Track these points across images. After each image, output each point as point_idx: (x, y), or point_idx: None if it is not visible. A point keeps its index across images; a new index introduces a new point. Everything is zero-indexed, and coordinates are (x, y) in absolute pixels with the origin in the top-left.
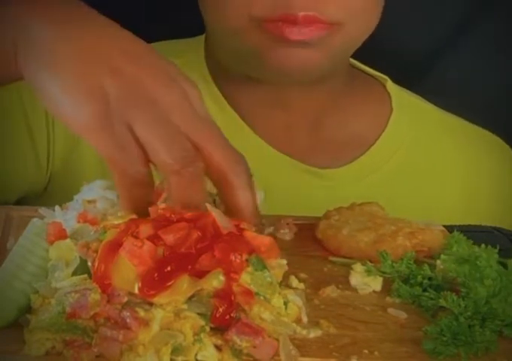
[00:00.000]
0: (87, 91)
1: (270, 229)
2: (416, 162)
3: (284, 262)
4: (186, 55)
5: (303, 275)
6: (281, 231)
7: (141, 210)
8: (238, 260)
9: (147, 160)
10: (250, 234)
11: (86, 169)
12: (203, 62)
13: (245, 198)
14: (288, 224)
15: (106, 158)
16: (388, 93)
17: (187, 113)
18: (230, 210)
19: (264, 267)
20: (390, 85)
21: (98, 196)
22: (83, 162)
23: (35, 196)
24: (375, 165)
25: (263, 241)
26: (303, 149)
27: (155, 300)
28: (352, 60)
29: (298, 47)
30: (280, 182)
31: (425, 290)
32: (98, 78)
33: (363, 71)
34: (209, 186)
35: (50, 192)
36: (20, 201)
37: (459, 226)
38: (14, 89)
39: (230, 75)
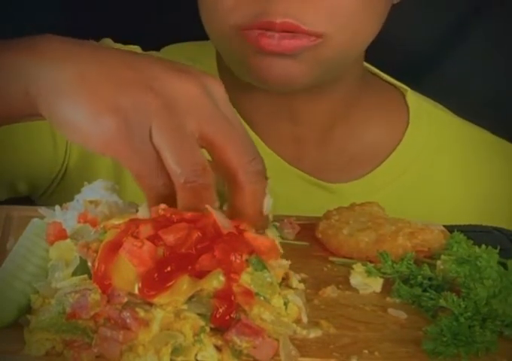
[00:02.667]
0: (103, 108)
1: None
2: (432, 176)
3: (286, 262)
4: (199, 59)
5: (303, 275)
6: (285, 230)
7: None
8: (238, 260)
9: None
10: (250, 235)
11: (100, 168)
12: (216, 67)
13: (250, 197)
14: (291, 224)
15: (132, 173)
16: (407, 104)
17: (205, 110)
18: (233, 210)
19: (264, 267)
20: (410, 95)
21: (101, 199)
22: (98, 161)
23: (48, 193)
24: (387, 180)
25: (263, 242)
26: (312, 162)
27: (155, 300)
28: (372, 68)
29: (277, 58)
30: (288, 195)
31: (425, 290)
32: (111, 96)
33: (382, 79)
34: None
35: (63, 188)
36: (35, 199)
37: (459, 226)
38: None
39: (239, 82)
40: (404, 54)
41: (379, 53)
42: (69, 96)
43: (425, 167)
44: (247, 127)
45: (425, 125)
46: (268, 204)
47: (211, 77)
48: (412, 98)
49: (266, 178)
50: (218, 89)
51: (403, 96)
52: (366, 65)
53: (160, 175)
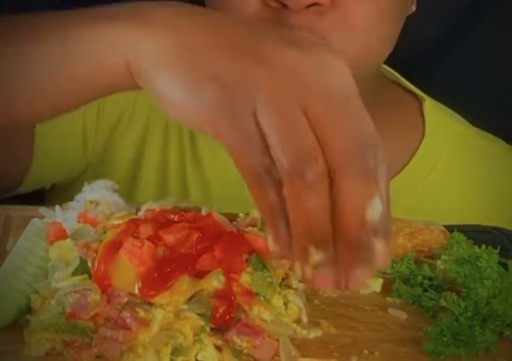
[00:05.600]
0: (203, 78)
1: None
2: (445, 189)
3: (286, 262)
4: None
5: None
6: None
7: (276, 213)
8: (238, 260)
9: None
10: (251, 236)
11: (116, 168)
12: None
13: (352, 198)
14: None
15: (231, 153)
16: (423, 114)
17: (318, 89)
18: (334, 217)
19: (264, 267)
20: (428, 105)
21: (101, 199)
22: (115, 162)
23: (65, 184)
24: (401, 192)
25: (264, 242)
26: None
27: (155, 300)
28: (391, 72)
29: None
30: None
31: (425, 291)
32: (212, 64)
33: (400, 85)
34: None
35: (77, 186)
36: (47, 191)
37: (459, 226)
38: None
39: None
40: (405, 54)
41: None
42: (168, 67)
43: (438, 179)
44: None
45: (440, 138)
46: (375, 212)
47: (332, 54)
48: (429, 108)
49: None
50: (340, 69)
51: (420, 104)
52: (384, 67)
53: (264, 156)
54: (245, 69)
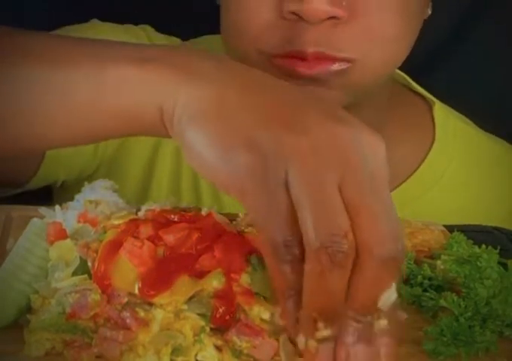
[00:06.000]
0: (237, 142)
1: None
2: (457, 193)
3: None
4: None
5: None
6: None
7: (290, 289)
8: (238, 260)
9: None
10: (251, 236)
11: (129, 170)
12: None
13: (370, 283)
14: None
15: (255, 220)
16: (433, 117)
17: (352, 166)
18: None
19: (264, 267)
20: (438, 109)
21: (101, 199)
22: (129, 164)
23: (73, 185)
24: (412, 197)
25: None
26: None
27: (155, 300)
28: (402, 76)
29: (309, 83)
30: None
31: (425, 290)
32: (249, 128)
33: (410, 89)
34: None
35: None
36: (54, 189)
37: (459, 225)
38: None
39: None
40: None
41: None
42: (204, 123)
43: (450, 184)
44: None
45: (450, 142)
46: (388, 300)
47: (371, 132)
48: (440, 112)
49: (399, 272)
50: (376, 149)
51: (431, 108)
52: (397, 72)
53: (289, 229)
54: (283, 138)
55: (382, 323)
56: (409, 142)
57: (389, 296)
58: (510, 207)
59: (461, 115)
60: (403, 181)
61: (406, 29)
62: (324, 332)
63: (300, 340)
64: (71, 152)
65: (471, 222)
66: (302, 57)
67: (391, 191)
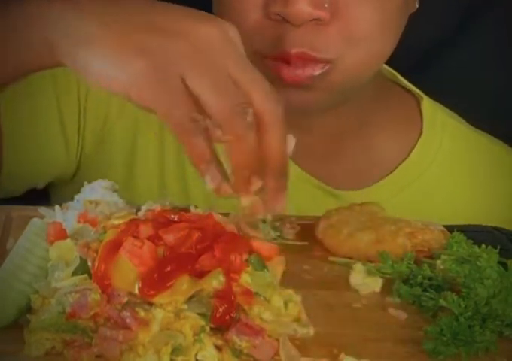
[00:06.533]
0: (131, 51)
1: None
2: (443, 186)
3: (283, 258)
4: None
5: (306, 267)
6: (285, 230)
7: (207, 159)
8: (238, 260)
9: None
10: (257, 242)
11: (112, 159)
12: None
13: (278, 137)
14: (291, 223)
15: (159, 111)
16: (421, 111)
17: (232, 54)
18: (262, 154)
19: (264, 267)
20: (425, 103)
21: (101, 199)
22: (111, 153)
23: (63, 182)
24: (398, 188)
25: (269, 248)
26: (323, 170)
27: (155, 300)
28: (390, 71)
29: (293, 89)
30: (299, 200)
31: (425, 290)
32: (138, 40)
33: (398, 84)
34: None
35: (78, 180)
36: (49, 187)
37: (459, 226)
38: (48, 76)
39: None
40: (405, 53)
41: None
42: (95, 44)
43: (436, 176)
44: None
45: (438, 135)
46: (291, 145)
47: (229, 23)
48: (427, 106)
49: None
50: (238, 35)
51: (419, 103)
52: (384, 67)
53: (191, 109)
54: (168, 43)
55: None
56: (396, 134)
57: (290, 142)
58: (497, 199)
59: (450, 111)
60: (391, 172)
61: (387, 27)
62: (258, 183)
63: (244, 199)
64: (35, 154)
65: (455, 215)
66: (286, 59)
67: (378, 181)
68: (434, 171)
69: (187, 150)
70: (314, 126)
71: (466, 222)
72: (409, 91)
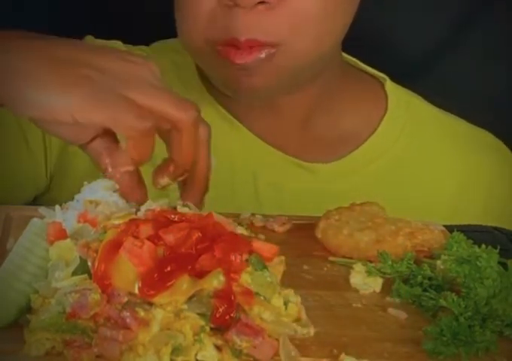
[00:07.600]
0: (69, 81)
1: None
2: (409, 162)
3: (283, 257)
4: (184, 59)
5: (306, 267)
6: (276, 227)
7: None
8: (238, 260)
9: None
10: (257, 243)
11: (76, 172)
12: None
13: (188, 139)
14: (281, 220)
15: (109, 125)
16: (385, 92)
17: (141, 84)
18: (177, 160)
19: (264, 267)
20: (389, 84)
21: (101, 199)
22: (74, 165)
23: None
24: (365, 162)
25: (269, 249)
26: (294, 146)
27: (155, 300)
28: (353, 59)
29: (243, 71)
30: (273, 176)
31: (425, 290)
32: (73, 70)
33: (362, 70)
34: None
35: (52, 191)
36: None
37: (459, 225)
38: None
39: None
40: (404, 54)
41: (380, 52)
42: (34, 77)
43: (401, 152)
44: (234, 119)
45: (402, 113)
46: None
47: (151, 62)
48: (391, 87)
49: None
50: (155, 69)
51: (382, 85)
52: (344, 55)
53: (136, 116)
54: (99, 71)
55: None
56: (363, 112)
57: (213, 162)
58: (462, 182)
59: (413, 92)
60: (353, 150)
61: (332, 11)
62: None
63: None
64: (14, 182)
65: (421, 188)
66: (236, 45)
67: (347, 154)
68: (400, 148)
69: (128, 148)
70: (283, 107)
71: (429, 195)
72: (372, 76)
